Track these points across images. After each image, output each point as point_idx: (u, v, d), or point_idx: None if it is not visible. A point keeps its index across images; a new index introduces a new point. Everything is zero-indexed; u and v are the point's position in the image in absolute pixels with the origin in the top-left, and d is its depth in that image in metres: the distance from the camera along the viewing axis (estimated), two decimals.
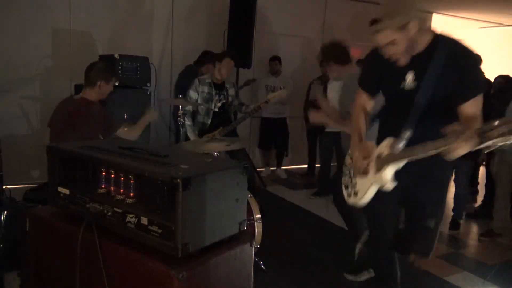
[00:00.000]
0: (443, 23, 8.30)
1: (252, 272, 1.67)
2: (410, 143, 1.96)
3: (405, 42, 1.91)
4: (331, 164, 4.97)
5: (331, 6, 6.62)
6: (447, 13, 7.83)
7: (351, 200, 2.33)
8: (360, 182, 2.25)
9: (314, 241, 3.81)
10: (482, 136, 1.52)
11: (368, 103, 2.31)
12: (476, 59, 2.00)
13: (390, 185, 2.01)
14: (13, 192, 3.25)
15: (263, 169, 6.29)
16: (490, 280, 3.29)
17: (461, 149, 1.63)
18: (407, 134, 1.98)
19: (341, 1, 6.62)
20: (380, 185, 2.05)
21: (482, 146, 1.56)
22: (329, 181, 4.78)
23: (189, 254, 1.38)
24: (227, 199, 1.52)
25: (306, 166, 6.34)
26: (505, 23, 8.86)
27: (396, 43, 1.91)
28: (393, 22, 1.87)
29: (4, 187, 3.11)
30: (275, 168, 6.31)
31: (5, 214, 2.75)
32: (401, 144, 1.98)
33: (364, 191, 2.17)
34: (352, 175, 2.38)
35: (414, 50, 1.97)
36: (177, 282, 1.31)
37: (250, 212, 2.87)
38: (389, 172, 1.99)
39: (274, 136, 6.09)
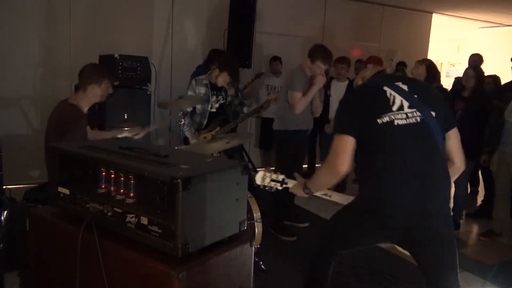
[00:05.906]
0: (443, 23, 8.31)
1: (252, 272, 1.67)
2: None
3: None
4: None
5: (331, 6, 6.62)
6: (447, 13, 7.83)
7: None
8: None
9: (314, 241, 3.80)
10: None
11: None
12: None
13: None
14: (13, 192, 3.25)
15: (263, 169, 6.27)
16: (490, 280, 3.29)
17: None
18: None
19: (341, 1, 6.61)
20: None
21: None
22: None
23: (189, 254, 1.37)
24: (227, 199, 1.52)
25: (306, 166, 6.33)
26: (505, 23, 8.86)
27: None
28: None
29: (4, 187, 3.10)
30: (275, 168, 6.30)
31: (5, 214, 2.75)
32: None
33: None
34: None
35: None
36: (177, 282, 1.31)
37: (250, 212, 2.88)
38: None
39: None
